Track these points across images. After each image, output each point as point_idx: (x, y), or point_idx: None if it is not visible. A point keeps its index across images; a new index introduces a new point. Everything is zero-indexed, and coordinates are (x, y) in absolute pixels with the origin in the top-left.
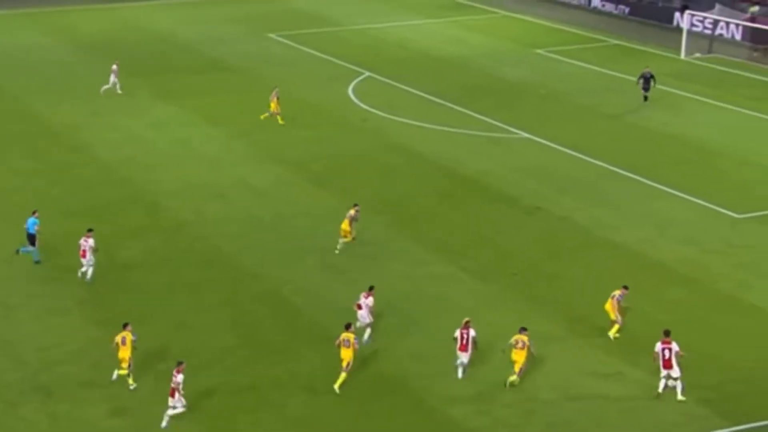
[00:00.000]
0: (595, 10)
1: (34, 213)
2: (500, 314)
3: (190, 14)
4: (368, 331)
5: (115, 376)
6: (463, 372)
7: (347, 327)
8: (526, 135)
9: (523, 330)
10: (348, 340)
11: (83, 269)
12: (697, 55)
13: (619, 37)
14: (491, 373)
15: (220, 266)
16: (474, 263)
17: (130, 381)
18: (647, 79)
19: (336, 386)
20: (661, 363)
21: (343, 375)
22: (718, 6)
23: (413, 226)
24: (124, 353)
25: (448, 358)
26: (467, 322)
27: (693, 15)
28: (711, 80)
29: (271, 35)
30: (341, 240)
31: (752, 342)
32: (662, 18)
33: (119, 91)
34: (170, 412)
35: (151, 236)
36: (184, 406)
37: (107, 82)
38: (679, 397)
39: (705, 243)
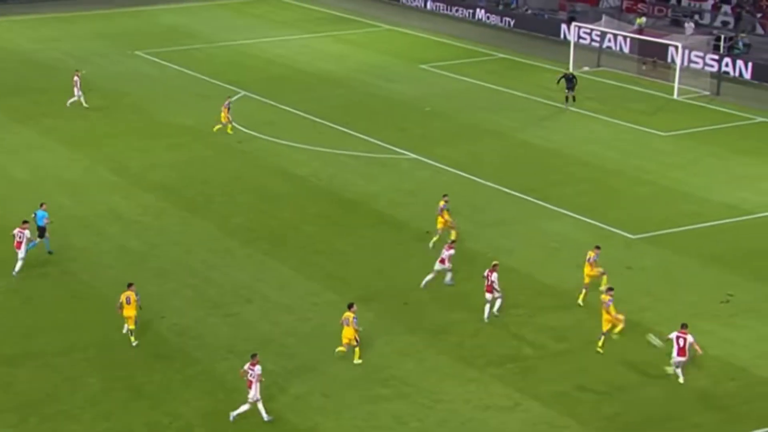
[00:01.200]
0: (480, 23)
1: (41, 205)
2: (390, 346)
3: (51, 31)
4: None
5: (125, 330)
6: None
7: (349, 306)
8: (413, 155)
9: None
10: (347, 319)
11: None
12: (586, 68)
13: (505, 50)
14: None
15: (89, 302)
16: (363, 292)
17: (132, 339)
18: (569, 79)
19: (357, 359)
20: (675, 351)
21: (356, 350)
22: (605, 18)
23: (296, 255)
24: (130, 312)
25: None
26: (495, 265)
27: (580, 27)
28: (600, 95)
29: (139, 53)
30: (438, 233)
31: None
32: (549, 30)
33: (85, 104)
34: (260, 405)
35: (8, 273)
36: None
37: None
38: (681, 380)
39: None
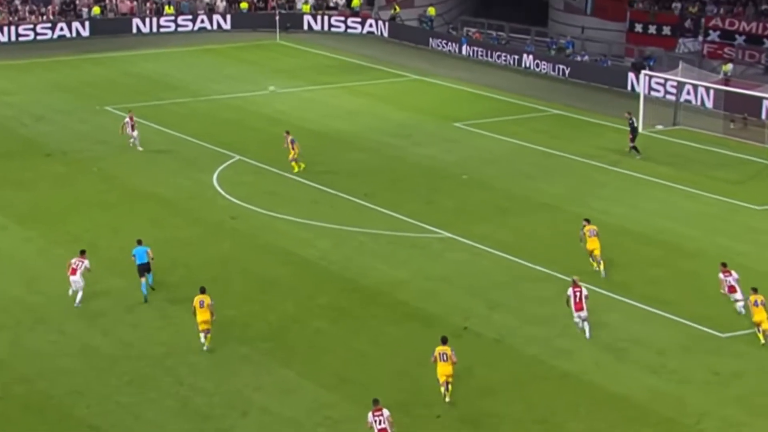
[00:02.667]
0: (528, 72)
1: (139, 242)
2: None
3: (1, 82)
4: None
5: (202, 339)
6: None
7: (443, 341)
8: (447, 234)
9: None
10: (445, 354)
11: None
12: (659, 127)
13: (558, 105)
14: None
15: (47, 416)
16: (385, 402)
17: (207, 341)
18: (634, 128)
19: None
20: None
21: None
22: (682, 65)
23: (303, 356)
24: (203, 315)
25: None
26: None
27: (651, 77)
28: (677, 159)
29: (109, 108)
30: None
31: None
32: (613, 80)
33: (140, 147)
34: None
35: None
36: None
37: None
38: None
39: (680, 373)
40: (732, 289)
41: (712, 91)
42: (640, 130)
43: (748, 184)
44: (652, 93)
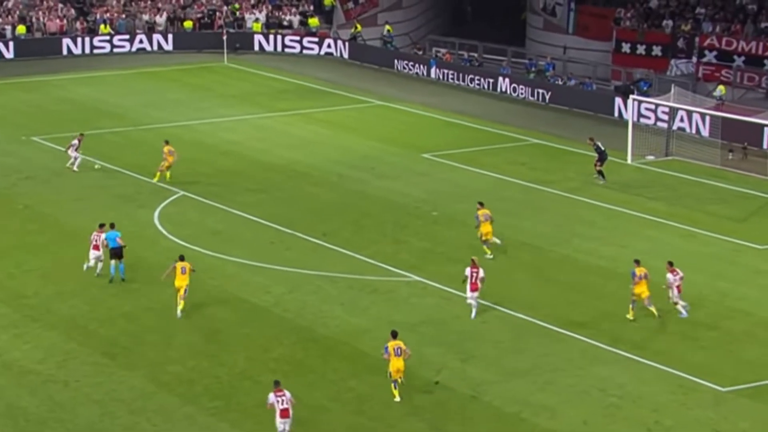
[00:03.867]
0: (505, 97)
1: (112, 226)
2: None
3: None
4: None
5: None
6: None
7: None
8: (415, 277)
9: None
10: (399, 348)
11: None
12: (650, 158)
13: (538, 133)
14: None
15: None
16: None
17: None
18: (601, 151)
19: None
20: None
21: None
22: (675, 89)
23: (254, 416)
24: (182, 282)
25: None
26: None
27: (640, 102)
28: (670, 193)
29: (37, 139)
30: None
31: None
32: (598, 106)
33: (75, 168)
34: None
35: None
36: None
37: None
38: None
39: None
40: (679, 290)
41: (708, 118)
42: (629, 161)
43: (750, 221)
44: (642, 120)
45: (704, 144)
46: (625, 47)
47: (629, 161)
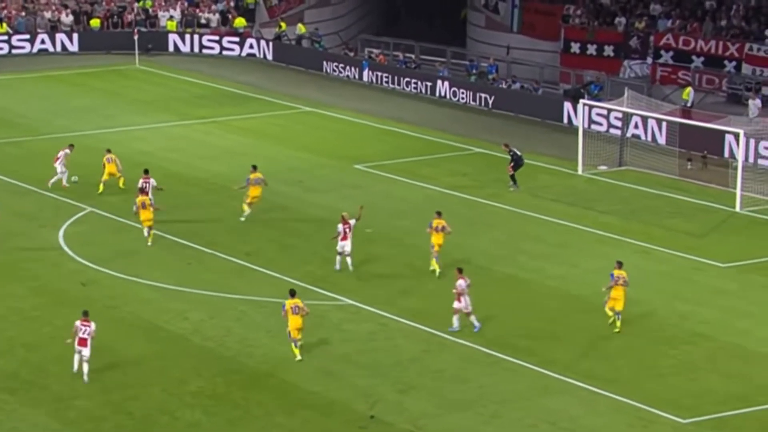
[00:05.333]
0: (444, 101)
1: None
2: None
3: None
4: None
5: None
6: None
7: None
8: (348, 300)
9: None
10: (297, 306)
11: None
12: (603, 168)
13: (480, 141)
14: None
15: None
16: None
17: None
18: (518, 157)
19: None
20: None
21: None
22: (629, 93)
23: None
24: (147, 215)
25: None
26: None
27: (591, 107)
28: (626, 207)
29: None
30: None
31: None
32: (545, 112)
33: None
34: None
35: None
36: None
37: None
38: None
39: None
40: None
41: (665, 125)
42: (580, 171)
43: (710, 236)
44: (593, 127)
45: (661, 153)
46: (575, 47)
47: (580, 172)
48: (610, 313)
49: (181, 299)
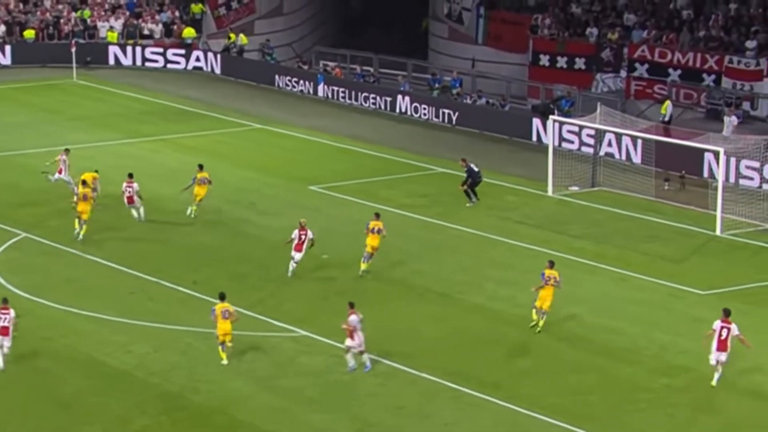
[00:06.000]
0: (405, 118)
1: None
2: None
3: None
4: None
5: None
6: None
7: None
8: (302, 332)
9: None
10: (227, 311)
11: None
12: (574, 189)
13: (444, 160)
14: None
15: None
16: None
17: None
18: (474, 173)
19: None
20: (716, 344)
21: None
22: (602, 108)
23: None
24: (85, 207)
25: None
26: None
27: (562, 124)
28: (598, 230)
29: None
30: None
31: None
32: (513, 129)
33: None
34: None
35: None
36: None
37: None
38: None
39: None
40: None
41: (640, 142)
42: (550, 192)
43: (689, 261)
44: (564, 145)
45: (636, 172)
46: (544, 60)
47: (550, 193)
48: (535, 316)
49: (123, 331)
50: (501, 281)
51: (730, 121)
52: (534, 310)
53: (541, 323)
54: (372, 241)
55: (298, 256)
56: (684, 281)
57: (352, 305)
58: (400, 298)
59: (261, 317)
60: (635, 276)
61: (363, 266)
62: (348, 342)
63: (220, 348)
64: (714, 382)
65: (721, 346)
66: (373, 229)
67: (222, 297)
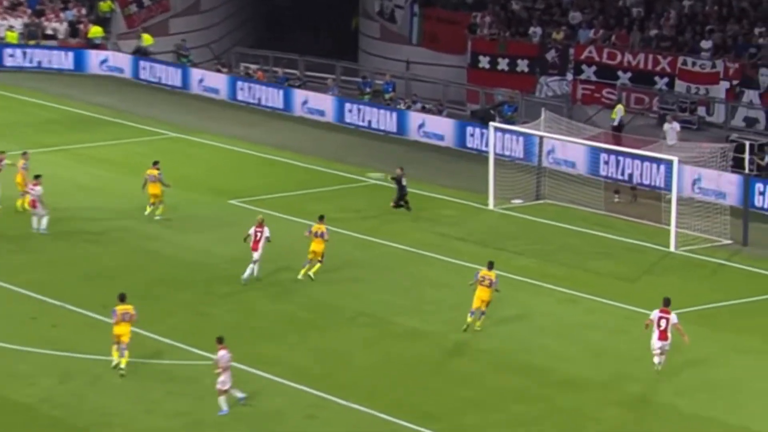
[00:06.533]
0: (335, 126)
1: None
2: None
3: None
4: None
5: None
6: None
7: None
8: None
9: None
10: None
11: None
12: (517, 202)
13: (375, 171)
14: None
15: None
16: None
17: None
18: (402, 186)
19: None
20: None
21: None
22: (546, 114)
23: None
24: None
25: None
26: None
27: (503, 131)
28: (545, 247)
29: None
30: None
31: None
32: (449, 137)
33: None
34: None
35: None
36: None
37: None
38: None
39: None
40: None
41: (588, 151)
42: (491, 205)
43: (643, 280)
44: (506, 154)
45: (584, 184)
46: (483, 61)
47: (491, 206)
48: (470, 318)
49: (26, 361)
50: (439, 302)
51: (672, 127)
52: (469, 314)
53: (478, 324)
54: (315, 246)
55: (256, 255)
56: (637, 302)
57: (220, 340)
58: (329, 322)
59: (177, 344)
60: (584, 296)
61: (302, 272)
62: (220, 382)
63: (114, 347)
64: (657, 366)
65: (662, 336)
66: (316, 233)
67: (122, 298)
